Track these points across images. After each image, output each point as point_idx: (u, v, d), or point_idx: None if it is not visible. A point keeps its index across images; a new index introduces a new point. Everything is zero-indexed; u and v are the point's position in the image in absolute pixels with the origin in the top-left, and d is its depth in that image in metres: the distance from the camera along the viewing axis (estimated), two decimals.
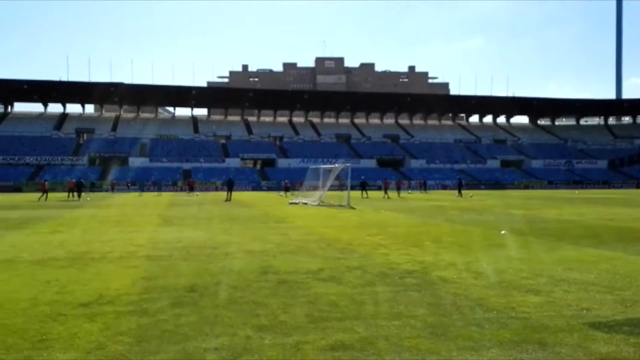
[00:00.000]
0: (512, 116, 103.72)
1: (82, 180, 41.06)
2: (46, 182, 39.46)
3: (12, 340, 4.51)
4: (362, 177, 41.96)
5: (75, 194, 36.58)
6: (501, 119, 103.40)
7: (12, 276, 7.50)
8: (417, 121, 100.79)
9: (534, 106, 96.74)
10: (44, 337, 4.62)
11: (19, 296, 6.18)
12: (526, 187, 70.57)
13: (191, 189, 47.09)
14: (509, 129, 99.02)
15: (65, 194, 37.91)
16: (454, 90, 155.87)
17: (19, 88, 76.44)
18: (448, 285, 6.85)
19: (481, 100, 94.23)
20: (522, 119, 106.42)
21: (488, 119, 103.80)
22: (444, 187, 66.66)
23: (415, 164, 79.96)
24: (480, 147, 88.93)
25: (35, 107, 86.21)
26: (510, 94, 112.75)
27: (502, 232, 13.18)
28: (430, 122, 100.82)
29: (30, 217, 19.01)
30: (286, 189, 46.64)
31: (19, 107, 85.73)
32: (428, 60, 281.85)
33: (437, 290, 6.52)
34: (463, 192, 41.75)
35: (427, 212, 22.00)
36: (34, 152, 69.77)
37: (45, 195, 34.89)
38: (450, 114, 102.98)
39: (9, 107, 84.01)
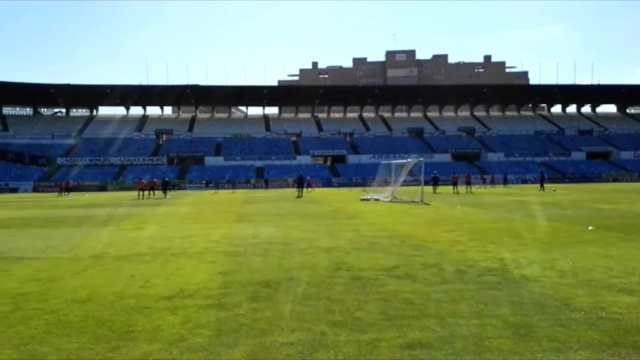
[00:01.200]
0: (598, 105, 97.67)
1: (167, 179, 42.87)
2: (144, 180, 40.09)
3: (102, 332, 4.75)
4: (435, 172, 41.00)
5: (151, 192, 37.57)
6: (586, 109, 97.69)
7: (100, 271, 7.94)
8: (494, 113, 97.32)
9: (622, 93, 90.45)
10: (130, 328, 4.84)
11: (107, 289, 6.52)
12: (615, 180, 66.31)
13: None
14: (594, 118, 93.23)
15: (145, 193, 38.91)
16: (533, 80, 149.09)
17: (103, 93, 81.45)
18: (531, 283, 6.52)
19: (564, 89, 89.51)
20: (609, 108, 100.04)
21: (572, 108, 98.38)
22: (524, 181, 64.06)
23: (493, 157, 77.27)
24: (564, 138, 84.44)
25: (118, 110, 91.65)
26: (595, 82, 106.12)
27: (590, 227, 12.43)
28: (509, 113, 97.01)
29: (115, 215, 20.14)
30: (308, 185, 50.62)
31: (103, 110, 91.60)
32: (505, 49, 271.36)
33: (519, 289, 6.22)
34: (545, 185, 39.90)
35: (507, 207, 21.13)
36: (118, 153, 74.08)
37: (142, 193, 36.23)
38: (530, 105, 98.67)
39: (94, 110, 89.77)
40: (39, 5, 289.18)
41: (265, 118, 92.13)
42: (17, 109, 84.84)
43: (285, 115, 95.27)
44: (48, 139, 77.29)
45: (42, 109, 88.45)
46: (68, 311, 5.48)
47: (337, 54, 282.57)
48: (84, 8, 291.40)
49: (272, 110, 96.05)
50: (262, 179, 64.27)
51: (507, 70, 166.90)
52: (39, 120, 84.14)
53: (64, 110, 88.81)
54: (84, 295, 6.20)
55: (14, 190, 59.46)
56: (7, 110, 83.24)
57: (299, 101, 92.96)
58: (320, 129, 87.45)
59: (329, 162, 79.84)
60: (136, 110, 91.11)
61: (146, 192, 36.66)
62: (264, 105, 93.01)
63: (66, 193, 48.57)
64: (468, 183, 40.18)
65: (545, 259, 8.21)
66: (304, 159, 75.94)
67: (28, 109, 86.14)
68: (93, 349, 4.29)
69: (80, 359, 4.07)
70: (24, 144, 74.29)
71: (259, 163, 73.72)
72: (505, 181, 52.85)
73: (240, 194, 43.96)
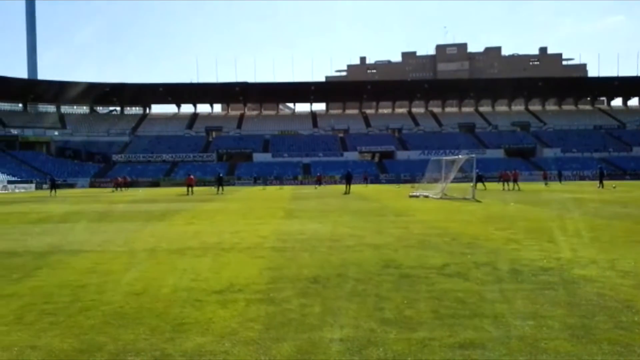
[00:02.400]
0: None
1: (221, 175, 43.74)
2: (192, 177, 40.55)
3: (156, 323, 4.88)
4: (477, 170, 39.84)
5: (190, 188, 37.88)
6: None
7: (154, 264, 8.17)
8: (550, 107, 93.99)
9: None
10: (183, 321, 4.95)
11: (160, 283, 6.69)
12: None
13: (365, 180, 54.55)
14: None
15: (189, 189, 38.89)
16: (592, 72, 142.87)
17: (155, 91, 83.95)
18: (589, 284, 6.23)
19: (625, 81, 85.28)
20: None
21: (633, 102, 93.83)
22: (582, 178, 61.64)
23: (549, 153, 74.53)
24: (625, 133, 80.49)
25: (170, 108, 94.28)
26: None
27: None
28: (565, 107, 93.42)
29: (168, 210, 20.63)
30: (319, 182, 52.75)
31: (156, 108, 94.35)
32: (562, 41, 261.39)
33: (577, 290, 5.97)
34: (605, 182, 38.20)
35: (563, 204, 20.39)
36: (170, 149, 76.22)
37: (190, 189, 36.83)
38: (588, 98, 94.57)
39: (147, 109, 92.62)
40: (93, 5, 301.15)
41: (313, 114, 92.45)
42: (75, 107, 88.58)
43: (332, 111, 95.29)
44: (104, 136, 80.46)
45: (98, 108, 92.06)
46: (124, 303, 5.65)
47: (385, 48, 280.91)
48: (136, 9, 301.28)
49: (320, 107, 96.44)
50: (309, 175, 64.63)
51: (564, 62, 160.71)
52: (95, 119, 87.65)
53: (118, 108, 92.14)
54: (139, 288, 6.38)
55: (72, 186, 62.12)
56: (65, 109, 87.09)
57: (346, 97, 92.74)
58: (368, 124, 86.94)
59: (376, 158, 79.29)
60: (187, 108, 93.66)
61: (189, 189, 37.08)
62: (311, 101, 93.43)
63: (122, 189, 50.48)
64: (515, 180, 38.54)
65: (605, 259, 7.85)
66: (352, 155, 75.73)
67: (85, 108, 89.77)
68: (148, 340, 4.41)
69: (136, 349, 4.19)
70: (80, 141, 77.62)
71: (306, 159, 74.09)
72: (560, 178, 51.04)
73: (288, 190, 44.32)
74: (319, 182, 52.88)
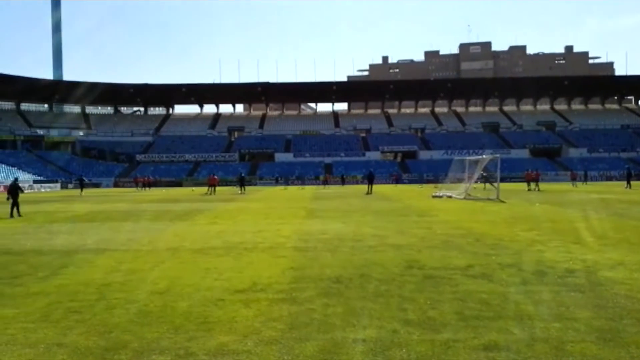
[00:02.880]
0: None
1: (243, 175, 43.96)
2: (216, 177, 40.92)
3: (180, 322, 4.93)
4: (483, 173, 39.22)
5: (212, 188, 37.57)
6: None
7: (177, 263, 8.25)
8: (576, 106, 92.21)
9: None
10: (206, 319, 4.99)
11: (184, 282, 6.76)
12: None
13: (396, 180, 55.66)
14: None
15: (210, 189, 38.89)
16: (619, 71, 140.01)
17: (178, 92, 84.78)
18: (617, 286, 6.11)
19: None
20: None
21: None
22: (609, 178, 60.40)
23: (575, 153, 73.20)
24: None
25: (193, 109, 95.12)
26: None
27: None
28: (592, 106, 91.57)
29: (190, 210, 20.82)
30: (325, 182, 53.54)
31: (179, 109, 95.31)
32: (588, 39, 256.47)
33: (604, 292, 5.85)
34: (633, 183, 37.35)
35: (589, 205, 19.99)
36: (192, 149, 76.93)
37: (212, 188, 37.09)
38: (615, 97, 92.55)
39: (170, 109, 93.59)
40: (115, 6, 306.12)
41: (335, 114, 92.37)
42: (99, 107, 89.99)
43: (354, 111, 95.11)
44: (128, 136, 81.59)
45: (122, 108, 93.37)
46: (148, 301, 5.73)
47: (408, 47, 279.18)
48: (160, 10, 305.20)
49: (342, 107, 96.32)
50: (330, 174, 64.63)
51: (591, 61, 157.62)
52: (119, 119, 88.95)
53: (142, 109, 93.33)
54: (162, 287, 6.45)
55: (97, 185, 62.96)
56: (90, 109, 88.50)
57: (368, 97, 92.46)
58: (390, 124, 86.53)
59: (399, 158, 78.86)
60: (209, 108, 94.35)
61: (210, 188, 37.26)
62: (333, 101, 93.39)
63: (146, 188, 51.20)
64: (535, 180, 37.19)
65: (633, 261, 7.69)
66: (374, 155, 75.45)
67: (109, 108, 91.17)
68: (172, 338, 4.45)
69: (160, 347, 4.23)
70: (105, 141, 78.85)
71: (327, 159, 74.05)
72: (585, 178, 50.13)
73: (310, 190, 44.37)
74: (325, 182, 53.37)
